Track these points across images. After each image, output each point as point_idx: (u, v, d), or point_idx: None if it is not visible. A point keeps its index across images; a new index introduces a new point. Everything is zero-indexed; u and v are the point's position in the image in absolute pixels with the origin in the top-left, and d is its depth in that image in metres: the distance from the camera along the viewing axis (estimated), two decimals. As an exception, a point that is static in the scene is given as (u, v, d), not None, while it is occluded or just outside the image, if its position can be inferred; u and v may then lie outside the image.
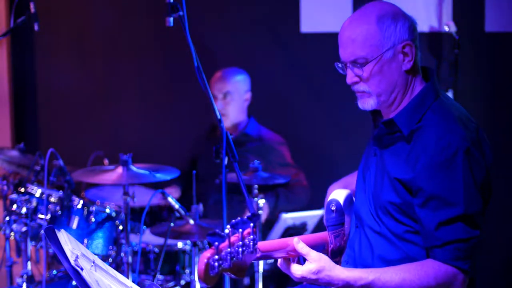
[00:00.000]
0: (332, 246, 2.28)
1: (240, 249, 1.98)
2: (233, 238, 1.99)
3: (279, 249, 2.15)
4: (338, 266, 2.14)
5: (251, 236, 2.02)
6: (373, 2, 2.28)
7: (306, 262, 2.12)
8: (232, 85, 4.14)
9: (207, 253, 1.94)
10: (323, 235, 2.29)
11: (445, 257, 2.12)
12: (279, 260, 2.18)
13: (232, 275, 2.03)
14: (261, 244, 2.09)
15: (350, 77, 2.26)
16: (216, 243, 1.94)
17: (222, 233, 1.94)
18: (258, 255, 2.07)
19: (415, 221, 2.19)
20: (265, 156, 4.10)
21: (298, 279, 2.14)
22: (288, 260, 2.16)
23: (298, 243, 2.13)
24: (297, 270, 2.13)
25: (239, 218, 2.01)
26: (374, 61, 2.20)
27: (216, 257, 1.94)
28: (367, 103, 2.27)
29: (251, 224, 2.01)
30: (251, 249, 2.01)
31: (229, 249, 1.96)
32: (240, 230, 1.99)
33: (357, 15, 2.24)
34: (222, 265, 1.95)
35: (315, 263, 2.11)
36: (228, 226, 1.99)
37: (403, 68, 2.23)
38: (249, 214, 2.03)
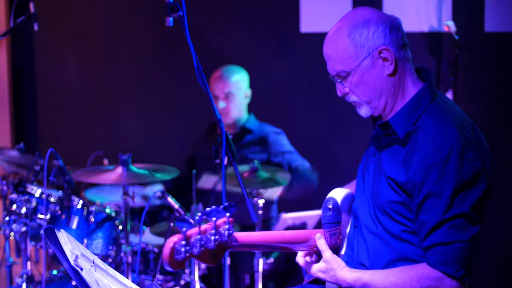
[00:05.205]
0: (327, 244, 2.28)
1: (213, 237, 2.00)
2: (205, 226, 2.01)
3: (262, 242, 2.20)
4: (347, 268, 2.23)
5: (226, 226, 2.03)
6: (347, 12, 2.29)
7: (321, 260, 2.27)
8: (233, 84, 4.15)
9: (174, 238, 1.97)
10: (319, 232, 2.30)
11: (432, 261, 2.13)
12: (300, 253, 2.31)
13: (203, 262, 2.06)
14: (241, 235, 2.13)
15: (339, 90, 2.30)
16: (184, 228, 1.97)
17: (191, 220, 1.98)
18: (234, 244, 2.10)
19: (412, 221, 2.20)
20: (266, 147, 4.13)
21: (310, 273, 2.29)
22: (307, 255, 2.30)
23: (320, 239, 2.27)
24: (311, 267, 2.27)
25: (213, 206, 2.04)
26: (353, 72, 2.22)
27: (183, 242, 1.96)
28: (362, 112, 2.30)
29: (227, 214, 2.03)
30: (226, 238, 2.03)
31: (199, 236, 1.98)
32: (214, 218, 2.01)
33: (331, 31, 2.27)
34: (191, 251, 1.97)
35: (324, 263, 2.24)
36: (199, 213, 2.01)
37: (386, 73, 2.22)
38: (226, 204, 2.05)
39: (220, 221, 2.04)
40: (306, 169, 4.13)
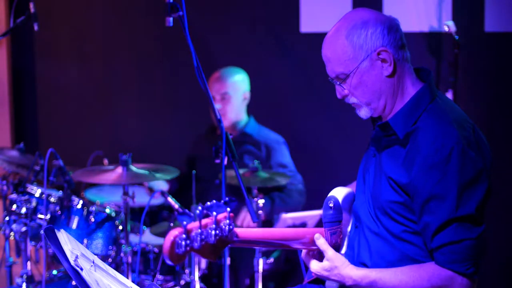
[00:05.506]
0: (327, 242, 2.29)
1: (213, 232, 2.00)
2: (206, 221, 2.01)
3: (263, 238, 2.21)
4: (351, 266, 2.23)
5: (227, 221, 2.04)
6: (346, 14, 2.29)
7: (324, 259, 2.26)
8: (230, 86, 4.13)
9: (175, 231, 1.98)
10: (320, 230, 2.30)
11: (441, 260, 2.13)
12: (304, 251, 2.32)
13: (203, 257, 2.06)
14: (241, 231, 2.13)
15: (339, 92, 2.30)
16: (185, 222, 1.97)
17: (191, 214, 1.98)
18: (235, 240, 2.11)
19: (413, 221, 2.20)
20: (264, 155, 4.10)
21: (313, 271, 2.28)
22: (309, 253, 2.31)
23: (319, 239, 2.26)
24: (313, 265, 2.27)
25: (214, 201, 2.04)
26: (352, 74, 2.22)
27: (184, 236, 1.96)
28: (362, 113, 2.31)
29: (228, 209, 2.03)
30: (226, 233, 2.03)
31: (199, 230, 1.98)
32: (214, 213, 2.01)
33: (330, 33, 2.28)
34: (191, 245, 1.97)
35: (328, 262, 2.23)
36: (199, 207, 2.01)
37: (384, 74, 2.23)
38: (226, 199, 2.05)
39: (221, 216, 2.04)
40: (296, 190, 4.09)
